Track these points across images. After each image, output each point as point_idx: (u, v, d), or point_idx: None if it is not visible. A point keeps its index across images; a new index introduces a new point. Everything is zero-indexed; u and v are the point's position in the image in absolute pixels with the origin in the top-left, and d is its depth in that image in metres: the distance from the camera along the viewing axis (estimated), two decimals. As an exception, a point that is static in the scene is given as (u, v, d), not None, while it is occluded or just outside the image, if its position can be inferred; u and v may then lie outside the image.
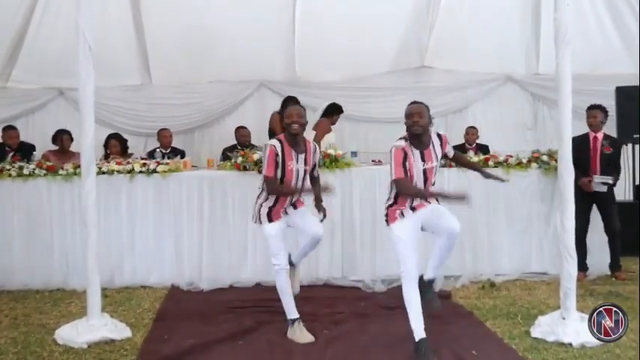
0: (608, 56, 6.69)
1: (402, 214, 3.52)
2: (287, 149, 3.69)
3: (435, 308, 3.64)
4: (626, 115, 6.00)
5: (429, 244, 3.74)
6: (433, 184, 3.61)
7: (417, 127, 3.43)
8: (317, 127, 6.16)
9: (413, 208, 3.53)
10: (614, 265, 5.23)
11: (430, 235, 3.67)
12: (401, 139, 3.54)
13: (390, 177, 3.50)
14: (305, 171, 3.78)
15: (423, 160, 3.50)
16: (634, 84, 5.74)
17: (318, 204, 4.00)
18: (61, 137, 6.23)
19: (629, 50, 6.45)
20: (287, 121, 3.69)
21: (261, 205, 3.77)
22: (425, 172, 3.50)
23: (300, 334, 3.71)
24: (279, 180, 3.68)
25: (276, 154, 3.64)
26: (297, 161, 3.72)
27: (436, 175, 3.60)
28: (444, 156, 3.71)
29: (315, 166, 3.93)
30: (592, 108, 5.25)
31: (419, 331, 3.34)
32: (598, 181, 5.11)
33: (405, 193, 3.50)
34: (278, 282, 3.75)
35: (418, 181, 3.51)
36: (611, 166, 5.21)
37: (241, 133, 6.68)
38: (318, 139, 5.97)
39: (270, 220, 3.74)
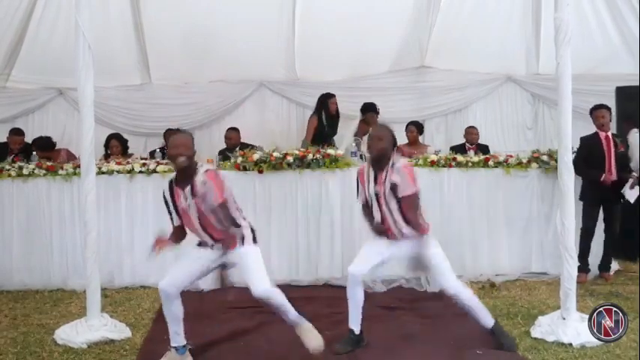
0: (608, 56, 6.69)
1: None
2: (176, 190, 3.22)
3: (339, 351, 3.45)
4: (626, 115, 5.99)
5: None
6: (398, 212, 3.37)
7: (372, 151, 3.42)
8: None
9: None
10: (605, 266, 5.20)
11: None
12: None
13: None
14: (197, 209, 3.14)
15: (375, 182, 3.42)
16: (634, 84, 5.73)
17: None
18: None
19: (629, 50, 6.45)
20: (172, 152, 3.13)
21: None
22: (377, 195, 3.40)
23: None
24: (180, 226, 3.29)
25: (165, 201, 3.27)
26: (186, 198, 3.16)
27: (397, 204, 3.34)
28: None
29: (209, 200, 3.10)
30: (598, 108, 5.11)
31: (352, 324, 3.56)
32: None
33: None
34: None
35: (372, 204, 3.45)
36: (626, 164, 5.15)
37: (226, 135, 6.46)
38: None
39: (199, 243, 3.35)
